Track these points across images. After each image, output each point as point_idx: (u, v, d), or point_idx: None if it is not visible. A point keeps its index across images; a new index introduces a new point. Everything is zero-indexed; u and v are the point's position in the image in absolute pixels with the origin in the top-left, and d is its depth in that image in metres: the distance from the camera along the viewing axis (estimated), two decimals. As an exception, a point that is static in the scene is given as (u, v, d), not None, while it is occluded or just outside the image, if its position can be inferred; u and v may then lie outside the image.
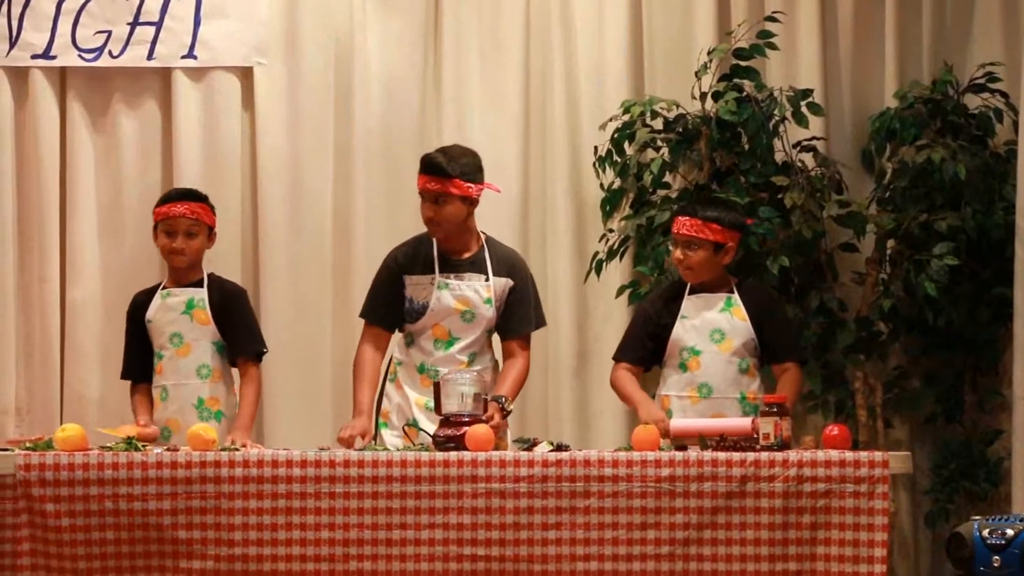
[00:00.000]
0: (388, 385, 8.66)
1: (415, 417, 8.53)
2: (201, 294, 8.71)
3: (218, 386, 8.70)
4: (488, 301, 8.55)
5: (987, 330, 9.63)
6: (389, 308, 8.65)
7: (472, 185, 8.53)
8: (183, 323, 8.66)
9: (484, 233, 8.78)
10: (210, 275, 8.82)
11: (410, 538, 7.40)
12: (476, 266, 8.62)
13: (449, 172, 8.47)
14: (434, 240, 8.60)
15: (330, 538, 7.41)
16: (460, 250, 8.61)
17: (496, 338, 8.76)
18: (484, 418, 7.88)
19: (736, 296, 8.58)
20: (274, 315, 10.04)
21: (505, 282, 8.63)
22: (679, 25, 10.21)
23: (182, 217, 8.69)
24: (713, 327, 8.50)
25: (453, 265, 8.57)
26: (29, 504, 7.44)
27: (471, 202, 8.56)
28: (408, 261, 8.61)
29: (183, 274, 8.71)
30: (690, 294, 8.56)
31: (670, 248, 8.70)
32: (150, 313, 8.65)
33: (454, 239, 8.58)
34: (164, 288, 8.72)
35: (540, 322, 8.90)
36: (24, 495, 7.42)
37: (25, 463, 7.38)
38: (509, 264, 8.75)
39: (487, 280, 8.59)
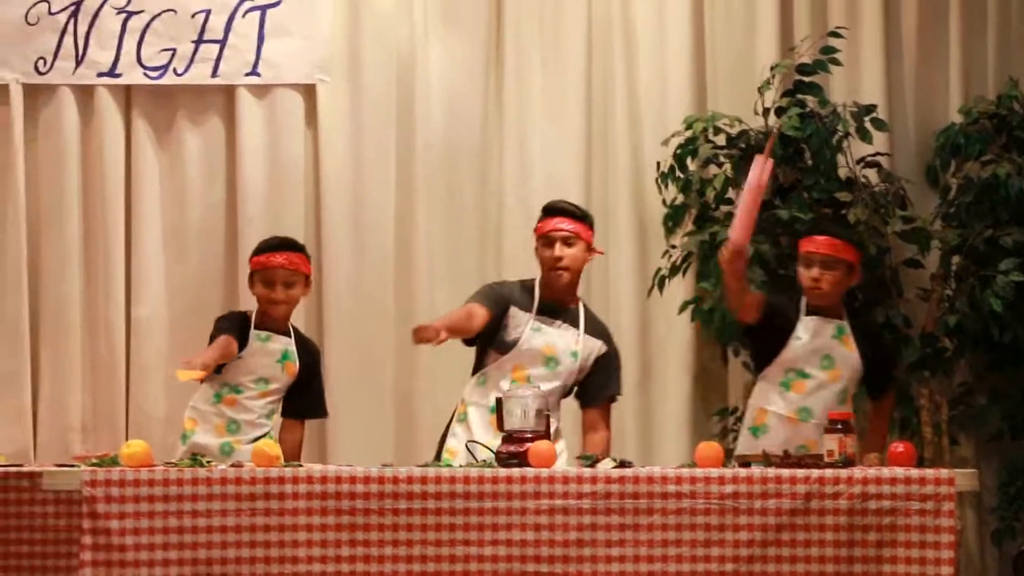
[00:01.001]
0: (456, 425, 8.65)
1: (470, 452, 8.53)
2: (292, 346, 8.81)
3: (274, 426, 8.91)
4: (574, 355, 8.57)
5: None
6: (496, 305, 8.56)
7: (591, 237, 8.67)
8: (274, 370, 8.77)
9: (581, 298, 8.84)
10: (293, 327, 8.95)
11: (473, 554, 7.38)
12: (571, 319, 8.64)
13: (581, 216, 8.66)
14: (537, 287, 8.64)
15: (393, 555, 7.38)
16: (561, 303, 8.64)
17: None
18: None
19: (847, 324, 8.55)
20: (336, 330, 10.09)
21: (597, 345, 8.67)
22: (741, 40, 10.29)
23: (281, 268, 8.77)
24: (823, 353, 8.46)
25: (551, 313, 8.59)
26: (94, 521, 7.40)
27: (589, 250, 8.67)
28: (515, 296, 8.66)
29: (279, 323, 8.82)
30: (806, 314, 8.55)
31: (800, 266, 8.50)
32: (246, 350, 8.69)
33: (567, 288, 8.61)
34: (259, 329, 8.77)
35: (620, 392, 8.91)
36: (89, 512, 7.40)
37: (91, 479, 7.38)
38: (603, 330, 8.81)
39: (577, 335, 8.63)
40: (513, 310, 8.58)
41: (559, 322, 8.62)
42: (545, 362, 8.54)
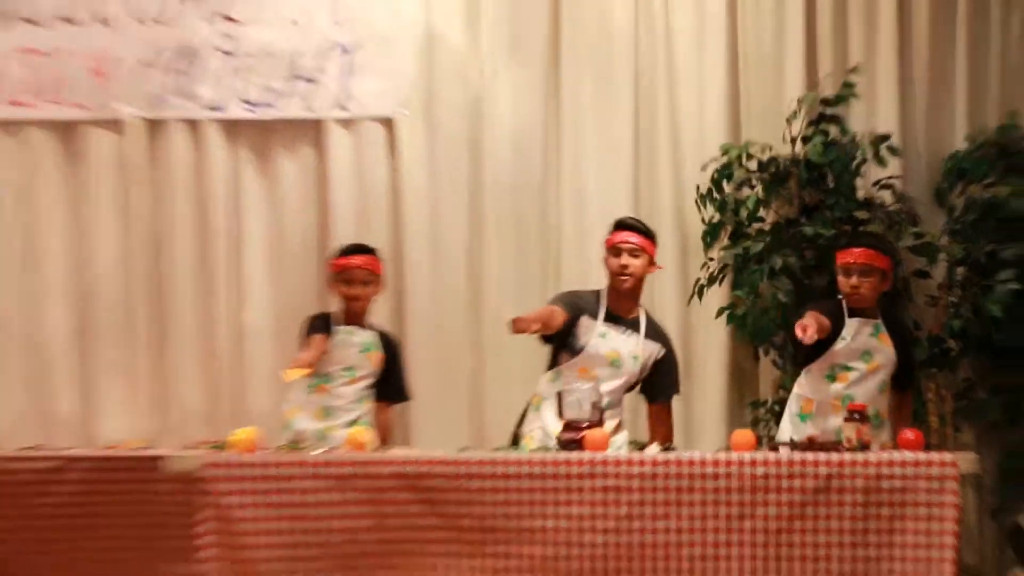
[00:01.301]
0: (531, 413, 9.09)
1: (546, 434, 8.91)
2: (374, 339, 9.34)
3: (368, 411, 9.36)
4: (635, 358, 9.00)
5: None
6: (572, 310, 8.97)
7: (654, 251, 9.16)
8: (359, 360, 9.28)
9: (643, 306, 9.22)
10: (372, 323, 9.44)
11: (538, 526, 7.85)
12: (633, 326, 9.05)
13: (646, 232, 9.13)
14: (604, 295, 9.09)
15: (469, 526, 7.90)
16: (625, 310, 9.07)
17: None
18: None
19: (882, 323, 8.90)
20: (417, 333, 10.55)
21: (655, 349, 9.11)
22: (771, 76, 10.73)
23: (359, 268, 9.32)
24: (864, 349, 8.79)
25: (615, 320, 9.01)
26: (210, 497, 7.97)
27: (651, 263, 9.14)
28: (586, 305, 9.07)
29: (359, 317, 9.33)
30: (849, 316, 8.85)
31: (840, 275, 8.79)
32: (333, 343, 9.23)
33: (629, 297, 9.08)
34: (343, 325, 9.30)
35: (679, 390, 9.36)
36: (207, 490, 7.98)
37: (208, 462, 7.98)
38: (662, 335, 9.23)
39: (638, 340, 9.10)
40: (584, 318, 8.98)
41: (623, 328, 9.02)
42: (610, 364, 8.94)
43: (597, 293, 9.15)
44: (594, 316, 9.07)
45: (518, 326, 8.62)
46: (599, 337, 9.01)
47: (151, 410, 10.68)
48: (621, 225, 9.18)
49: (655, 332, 9.20)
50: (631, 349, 9.05)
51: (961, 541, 8.04)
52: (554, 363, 9.12)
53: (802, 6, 10.76)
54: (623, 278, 9.00)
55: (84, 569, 9.35)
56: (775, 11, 10.82)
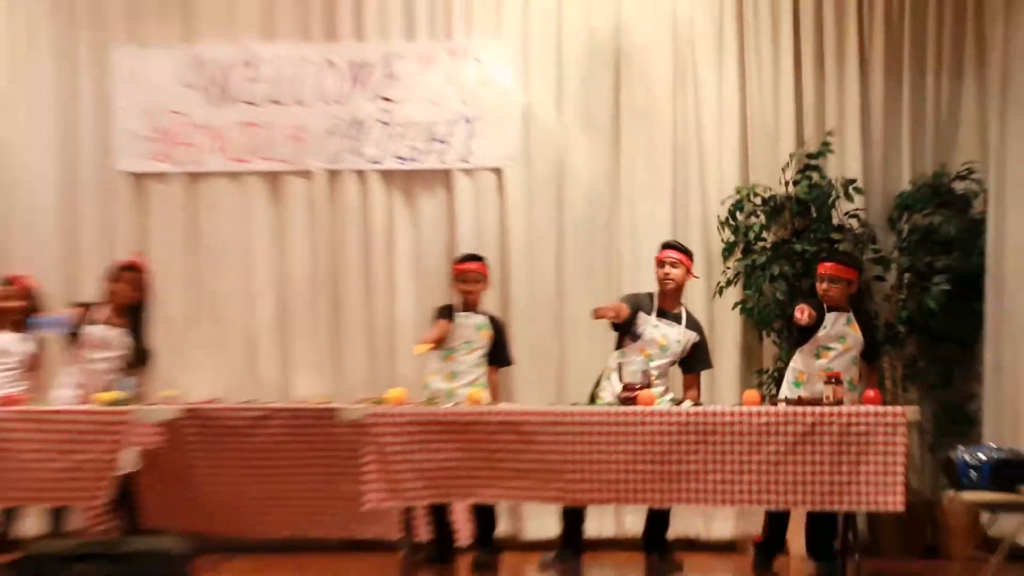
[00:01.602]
0: (604, 382, 9.26)
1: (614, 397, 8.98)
2: (485, 321, 9.55)
3: (483, 375, 9.54)
4: (679, 342, 9.24)
5: (968, 332, 10.11)
6: (633, 308, 9.24)
7: (691, 264, 9.39)
8: (475, 336, 9.51)
9: (684, 304, 9.41)
10: (484, 309, 9.62)
11: (604, 459, 8.25)
12: (677, 319, 9.28)
13: (684, 250, 9.39)
14: (655, 298, 9.31)
15: (557, 459, 8.23)
16: (670, 307, 9.30)
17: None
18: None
19: (852, 316, 9.10)
20: (518, 324, 10.47)
21: (693, 336, 9.30)
22: (771, 138, 10.64)
23: (471, 271, 9.55)
24: (840, 334, 9.03)
25: (664, 314, 9.26)
26: (373, 439, 8.33)
27: (688, 272, 9.34)
28: (642, 303, 9.29)
29: (474, 306, 9.52)
30: (828, 311, 9.05)
31: (817, 281, 9.11)
32: (455, 324, 9.42)
33: (673, 296, 9.31)
34: (461, 312, 9.49)
35: (710, 365, 9.61)
36: (371, 434, 8.35)
37: (371, 412, 8.37)
38: (698, 326, 9.40)
39: (680, 331, 9.30)
40: (641, 313, 9.19)
41: (669, 320, 9.26)
42: (660, 347, 9.20)
43: (651, 295, 9.36)
44: (648, 312, 9.29)
45: (598, 313, 9.02)
46: (653, 327, 9.26)
47: (330, 376, 10.68)
48: (665, 245, 9.45)
49: (693, 323, 9.40)
50: (676, 336, 9.29)
51: (908, 470, 8.30)
52: (619, 345, 9.30)
53: (792, 89, 10.69)
54: (667, 283, 9.27)
55: (281, 488, 9.70)
56: (773, 92, 10.72)
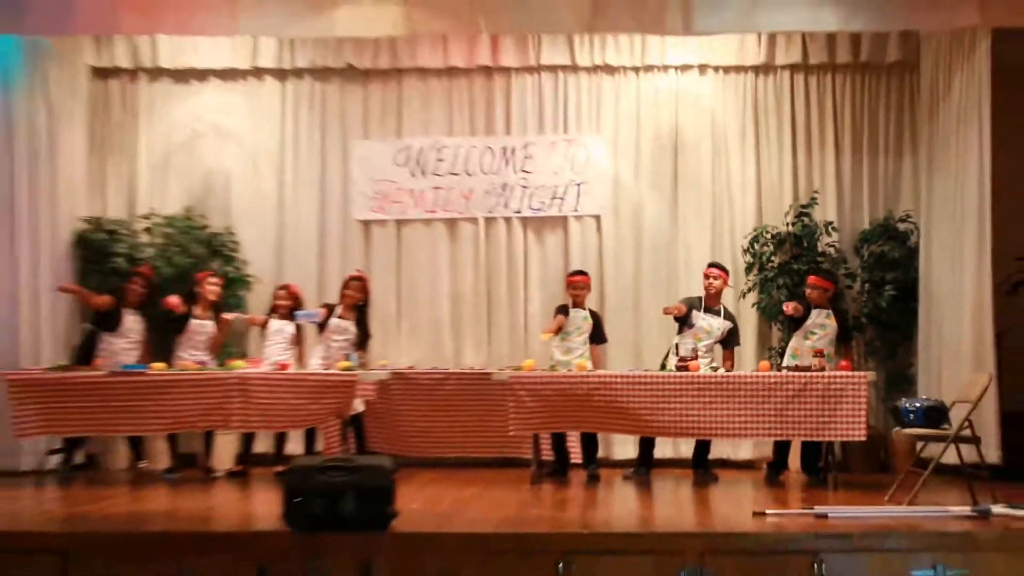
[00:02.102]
0: (670, 356, 9.06)
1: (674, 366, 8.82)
2: (588, 314, 9.33)
3: (587, 350, 9.28)
4: (719, 329, 9.09)
5: (908, 322, 9.85)
6: (689, 306, 9.04)
7: (727, 277, 9.28)
8: (582, 324, 9.29)
9: (723, 303, 9.23)
10: (587, 307, 9.40)
11: (665, 406, 8.21)
12: (717, 314, 9.13)
13: (722, 267, 9.31)
14: (703, 299, 9.14)
15: (633, 406, 8.19)
16: (713, 305, 9.15)
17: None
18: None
19: (831, 312, 8.93)
20: (610, 316, 10.14)
21: (729, 325, 9.16)
22: (777, 194, 10.43)
23: (579, 281, 9.41)
24: (822, 324, 8.85)
25: (709, 311, 9.12)
26: (514, 395, 8.36)
27: (725, 284, 9.23)
28: (694, 303, 9.12)
29: (581, 305, 9.32)
30: (812, 308, 8.89)
31: (806, 289, 8.98)
32: (569, 317, 9.25)
33: (715, 298, 9.16)
34: (572, 308, 9.30)
35: (739, 343, 9.40)
36: (513, 391, 8.36)
37: (513, 375, 8.43)
38: (732, 317, 9.27)
39: (719, 321, 9.13)
40: (694, 311, 9.06)
41: (713, 314, 9.12)
42: (707, 332, 9.08)
43: (700, 297, 9.27)
44: (699, 308, 9.19)
45: (667, 310, 9.10)
46: (701, 319, 9.15)
47: (486, 351, 10.54)
48: (710, 264, 9.42)
49: (729, 316, 9.30)
50: (718, 325, 9.18)
51: (868, 413, 8.24)
52: (680, 331, 9.20)
53: (791, 163, 10.53)
54: (710, 289, 9.19)
55: (454, 424, 9.74)
56: (778, 166, 10.54)
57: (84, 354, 9.34)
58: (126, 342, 9.38)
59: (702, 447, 9.25)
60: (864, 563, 5.79)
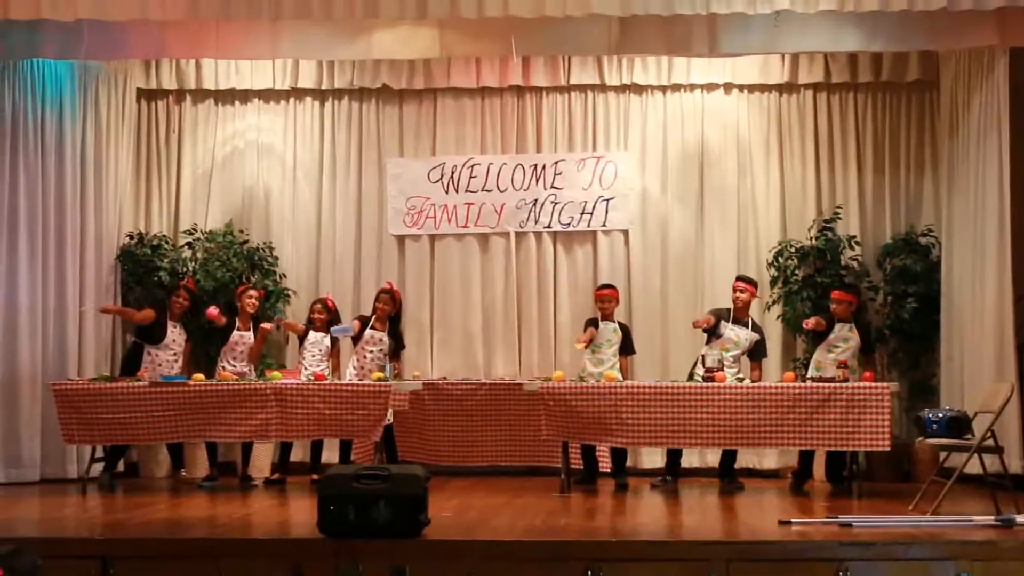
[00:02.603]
0: (699, 366, 9.01)
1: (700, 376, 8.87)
2: (617, 327, 9.37)
3: (616, 361, 9.31)
4: (747, 340, 9.09)
5: (930, 334, 9.80)
6: (716, 317, 9.05)
7: (755, 291, 9.30)
8: (611, 336, 9.32)
9: (751, 315, 9.26)
10: (616, 319, 9.45)
11: (693, 417, 8.18)
12: (745, 326, 9.14)
13: (749, 280, 9.34)
14: (732, 311, 9.13)
15: (661, 414, 8.17)
16: (741, 317, 9.14)
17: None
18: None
19: (854, 326, 8.94)
20: (638, 327, 10.10)
21: (756, 336, 9.17)
22: (800, 208, 10.37)
23: (608, 295, 9.46)
24: (844, 337, 8.88)
25: (737, 322, 9.11)
26: (545, 404, 8.41)
27: (753, 296, 9.24)
28: (722, 315, 9.09)
29: (610, 317, 9.35)
30: (836, 322, 8.92)
31: (831, 304, 8.99)
32: (599, 330, 9.26)
33: (743, 310, 9.16)
34: (602, 320, 9.33)
35: (767, 355, 9.43)
36: (544, 400, 8.41)
37: (542, 386, 8.46)
38: (759, 329, 9.30)
39: (747, 332, 9.13)
40: (722, 322, 9.05)
41: (740, 326, 9.12)
42: (734, 343, 9.06)
43: (728, 309, 9.25)
44: (727, 320, 9.17)
45: (696, 324, 9.14)
46: (729, 330, 9.13)
47: (516, 362, 10.53)
48: (737, 278, 9.42)
49: (756, 328, 9.32)
50: (745, 336, 9.18)
51: (892, 423, 8.26)
52: (708, 341, 9.20)
53: (814, 178, 10.49)
54: (737, 302, 9.20)
55: (484, 434, 9.79)
56: (801, 180, 10.51)
57: (129, 366, 9.36)
58: (170, 354, 9.40)
59: (728, 456, 9.19)
60: (888, 572, 5.77)
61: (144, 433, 8.71)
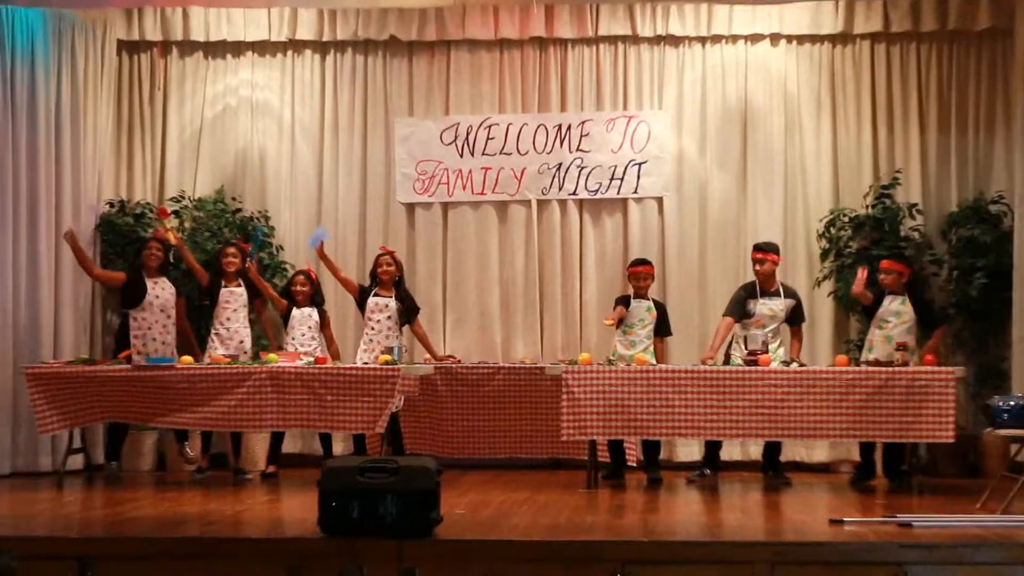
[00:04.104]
0: (733, 346, 9.22)
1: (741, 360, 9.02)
2: (651, 304, 9.45)
3: (650, 343, 9.37)
4: (782, 310, 9.20)
5: (1000, 312, 9.79)
6: (736, 307, 9.22)
7: (777, 257, 9.36)
8: (645, 315, 9.38)
9: (780, 280, 9.39)
10: (650, 296, 9.51)
11: (733, 405, 8.25)
12: (776, 294, 9.24)
13: (768, 248, 9.39)
14: (757, 283, 9.26)
15: (701, 404, 8.25)
16: (768, 287, 9.25)
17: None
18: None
19: (907, 297, 9.01)
20: (673, 304, 10.10)
21: (791, 303, 9.28)
22: (855, 173, 10.39)
23: (643, 271, 9.51)
24: (896, 311, 8.95)
25: (766, 294, 9.23)
26: (567, 388, 8.39)
27: (775, 263, 9.29)
28: (747, 292, 9.25)
29: (644, 294, 9.43)
30: (887, 295, 9.02)
31: (880, 275, 9.07)
32: (631, 308, 9.37)
33: (769, 280, 9.26)
34: (635, 298, 9.44)
35: (805, 319, 9.49)
36: (567, 383, 8.39)
37: (568, 369, 8.43)
38: (793, 293, 9.40)
39: (781, 301, 9.23)
40: (749, 301, 9.17)
41: (771, 296, 9.22)
42: (770, 316, 9.16)
43: (753, 283, 9.35)
44: (754, 296, 9.26)
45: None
46: (761, 304, 9.24)
47: (537, 343, 10.54)
48: (756, 247, 9.48)
49: (790, 293, 9.40)
50: (779, 306, 9.26)
51: (957, 412, 8.29)
52: (739, 320, 9.27)
53: (870, 139, 10.46)
54: (760, 274, 9.29)
55: (502, 423, 9.74)
56: (856, 141, 10.48)
57: (123, 340, 9.41)
58: (159, 314, 9.39)
59: (773, 448, 9.26)
60: (953, 577, 5.77)
61: (129, 414, 8.79)
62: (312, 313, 9.66)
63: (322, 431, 9.23)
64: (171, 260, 9.76)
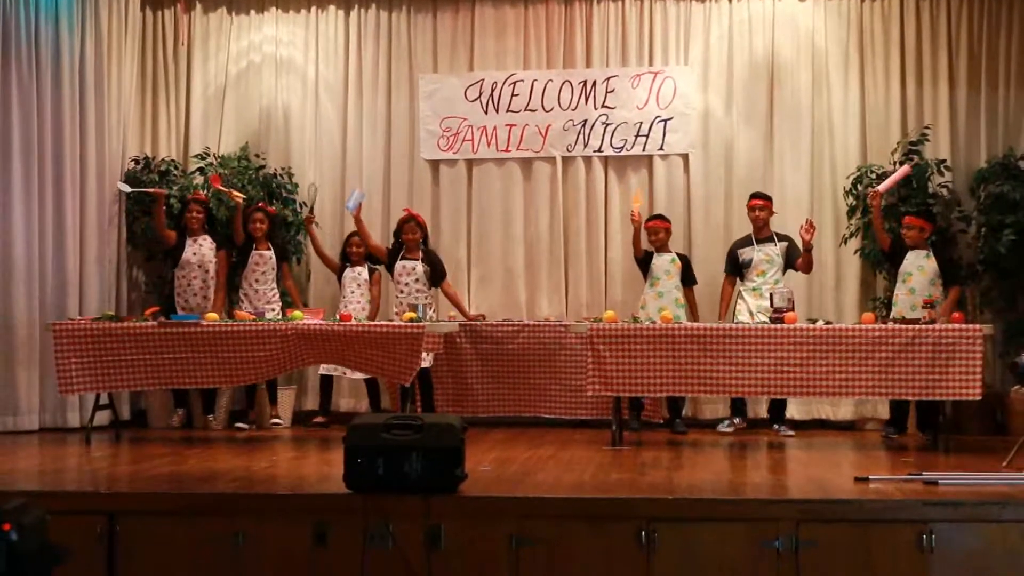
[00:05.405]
0: (738, 301, 9.47)
1: (749, 312, 9.34)
2: (674, 257, 9.62)
3: (679, 294, 9.58)
4: (778, 254, 9.40)
5: None
6: (734, 265, 9.52)
7: (770, 204, 9.56)
8: (670, 267, 9.58)
9: (773, 230, 9.51)
10: (672, 249, 9.71)
11: (759, 363, 8.23)
12: (770, 240, 9.45)
13: (763, 196, 9.60)
14: (752, 233, 9.49)
15: (726, 362, 8.22)
16: (763, 235, 9.48)
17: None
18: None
19: (931, 252, 9.03)
20: (697, 256, 10.15)
21: (785, 244, 9.44)
22: (883, 129, 10.34)
23: (659, 225, 9.69)
24: (919, 265, 8.94)
25: (759, 241, 9.47)
26: (592, 345, 8.38)
27: (771, 212, 9.51)
28: (740, 244, 9.53)
29: (664, 248, 9.59)
30: (911, 250, 9.02)
31: (903, 230, 9.09)
32: (653, 263, 9.56)
33: (764, 229, 9.46)
34: (657, 254, 9.56)
35: (802, 250, 9.25)
36: (592, 340, 8.37)
37: (591, 327, 8.43)
38: (785, 236, 9.49)
39: (775, 246, 9.43)
40: (740, 251, 9.48)
41: (765, 243, 9.46)
42: (769, 262, 9.40)
43: (748, 235, 9.61)
44: (747, 244, 9.54)
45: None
46: (756, 252, 9.49)
47: (562, 301, 10.58)
48: (752, 195, 9.70)
49: (782, 237, 9.54)
50: (775, 251, 9.49)
51: (984, 370, 8.26)
52: (742, 278, 9.57)
53: (899, 94, 10.42)
54: (756, 221, 9.53)
55: (527, 381, 9.83)
56: (884, 96, 10.45)
57: (168, 295, 9.83)
58: (198, 271, 9.74)
59: (779, 402, 9.52)
60: (978, 535, 5.74)
61: (151, 378, 8.79)
62: (362, 271, 9.91)
63: (350, 368, 9.31)
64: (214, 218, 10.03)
